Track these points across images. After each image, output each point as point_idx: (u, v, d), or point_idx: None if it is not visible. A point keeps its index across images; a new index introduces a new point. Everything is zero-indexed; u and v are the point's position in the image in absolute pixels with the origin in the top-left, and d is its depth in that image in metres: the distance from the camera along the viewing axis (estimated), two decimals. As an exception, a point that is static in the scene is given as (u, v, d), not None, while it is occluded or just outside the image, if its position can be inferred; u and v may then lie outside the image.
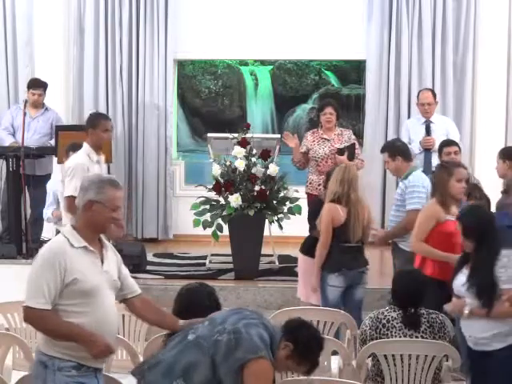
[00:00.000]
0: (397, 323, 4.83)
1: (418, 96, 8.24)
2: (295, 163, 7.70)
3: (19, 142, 8.21)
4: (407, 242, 6.25)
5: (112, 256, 3.98)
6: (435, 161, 7.80)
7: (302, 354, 3.83)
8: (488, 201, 6.50)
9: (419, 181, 6.43)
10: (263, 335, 3.74)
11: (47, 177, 8.27)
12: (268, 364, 3.71)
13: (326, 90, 13.91)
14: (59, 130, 8.12)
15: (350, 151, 7.46)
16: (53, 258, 3.73)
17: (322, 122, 7.65)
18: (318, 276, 6.15)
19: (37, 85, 8.49)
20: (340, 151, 7.41)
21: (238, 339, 3.69)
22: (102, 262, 3.88)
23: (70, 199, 6.03)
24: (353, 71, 13.28)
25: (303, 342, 3.83)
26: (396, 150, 6.56)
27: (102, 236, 3.98)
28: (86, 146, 6.50)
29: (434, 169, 7.63)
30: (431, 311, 4.94)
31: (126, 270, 4.07)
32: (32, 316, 3.75)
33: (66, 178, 6.39)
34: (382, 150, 6.73)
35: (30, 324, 3.86)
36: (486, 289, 4.54)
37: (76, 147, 7.24)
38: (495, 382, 4.58)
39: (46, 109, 8.55)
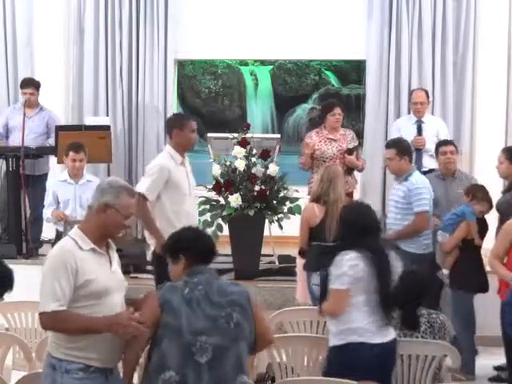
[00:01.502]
0: (397, 323, 4.83)
1: (410, 95, 8.31)
2: (303, 165, 7.64)
3: (8, 143, 8.23)
4: (413, 244, 6.26)
5: (117, 256, 4.00)
6: (426, 161, 7.84)
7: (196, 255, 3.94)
8: (490, 203, 6.50)
9: (423, 182, 6.42)
10: (229, 282, 3.94)
11: (44, 176, 8.29)
12: None
13: (326, 90, 13.86)
14: (59, 129, 8.12)
15: (357, 151, 7.55)
16: (63, 260, 3.73)
17: (328, 121, 7.60)
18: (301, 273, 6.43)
19: (27, 83, 8.45)
20: (349, 151, 7.45)
21: (238, 303, 3.77)
22: (111, 263, 3.90)
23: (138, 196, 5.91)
24: (353, 71, 13.23)
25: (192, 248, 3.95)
26: (405, 149, 6.53)
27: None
28: (169, 148, 6.22)
29: (424, 169, 7.69)
30: (432, 311, 4.95)
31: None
32: (49, 321, 3.73)
33: (144, 175, 6.23)
34: (390, 146, 6.65)
35: (49, 330, 3.85)
36: (322, 290, 4.63)
37: (76, 147, 7.24)
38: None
39: (41, 108, 8.50)
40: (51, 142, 8.28)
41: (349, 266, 4.45)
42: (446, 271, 6.45)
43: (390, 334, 4.56)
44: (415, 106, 8.10)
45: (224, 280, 3.89)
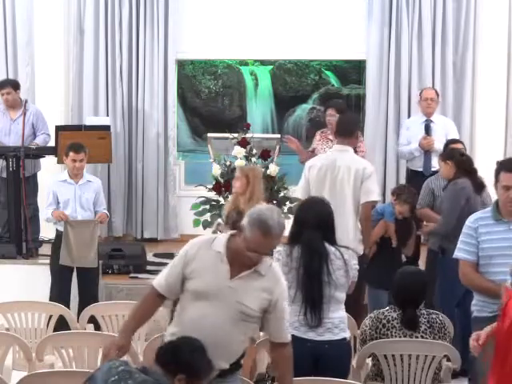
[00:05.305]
0: (397, 323, 4.83)
1: (420, 93, 8.25)
2: (303, 164, 7.68)
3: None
4: None
5: (255, 285, 3.84)
6: (435, 162, 7.78)
7: (196, 375, 3.59)
8: (412, 206, 6.48)
9: None
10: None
11: (33, 177, 8.36)
12: None
13: (326, 90, 13.87)
14: (59, 130, 8.12)
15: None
16: (191, 246, 3.89)
17: (326, 122, 7.81)
18: None
19: (3, 84, 8.34)
20: None
21: None
22: (232, 277, 3.79)
23: (371, 205, 5.96)
24: (353, 71, 13.26)
25: (192, 366, 3.57)
26: None
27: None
28: (351, 148, 6.18)
29: (433, 169, 7.64)
30: (432, 311, 4.95)
31: (280, 314, 3.91)
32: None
33: (368, 181, 6.03)
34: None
35: None
36: None
37: (76, 147, 7.22)
38: None
39: (25, 108, 8.29)
40: (39, 141, 8.28)
41: (275, 258, 4.55)
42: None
43: (330, 334, 4.48)
44: (425, 102, 8.02)
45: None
